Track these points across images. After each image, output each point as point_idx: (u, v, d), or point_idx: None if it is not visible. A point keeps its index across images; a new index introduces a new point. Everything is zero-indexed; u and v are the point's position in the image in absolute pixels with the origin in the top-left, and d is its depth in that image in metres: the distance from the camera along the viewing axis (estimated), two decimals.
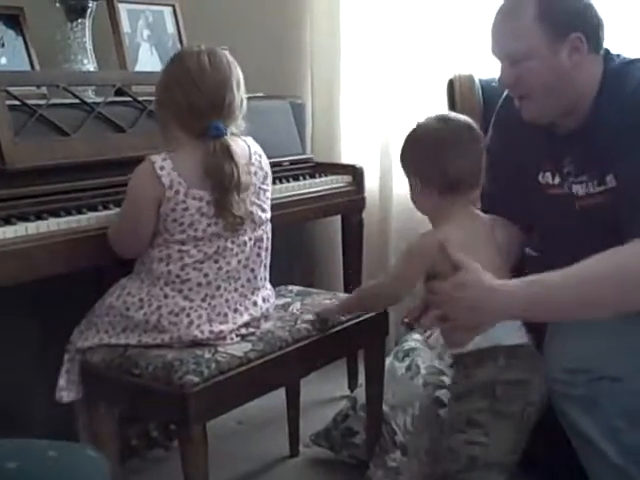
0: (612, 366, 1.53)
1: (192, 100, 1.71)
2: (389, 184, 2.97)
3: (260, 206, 1.81)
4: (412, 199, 1.73)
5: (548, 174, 1.74)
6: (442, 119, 1.70)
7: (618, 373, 1.52)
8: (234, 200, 1.70)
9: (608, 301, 1.48)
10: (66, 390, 1.75)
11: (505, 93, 1.85)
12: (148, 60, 2.56)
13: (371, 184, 2.89)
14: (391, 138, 2.96)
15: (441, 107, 2.62)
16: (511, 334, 1.61)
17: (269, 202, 1.85)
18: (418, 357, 2.15)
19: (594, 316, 1.51)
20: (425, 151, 1.66)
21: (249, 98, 1.98)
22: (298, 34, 3.06)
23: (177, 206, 1.68)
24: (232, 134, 1.77)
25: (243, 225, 1.74)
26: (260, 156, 1.84)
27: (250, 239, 1.78)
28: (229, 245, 1.74)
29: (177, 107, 1.74)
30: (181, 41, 2.67)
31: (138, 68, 2.49)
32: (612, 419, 1.49)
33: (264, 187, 1.83)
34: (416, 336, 2.26)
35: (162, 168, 1.67)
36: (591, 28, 1.60)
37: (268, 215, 1.85)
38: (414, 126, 1.73)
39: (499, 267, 1.62)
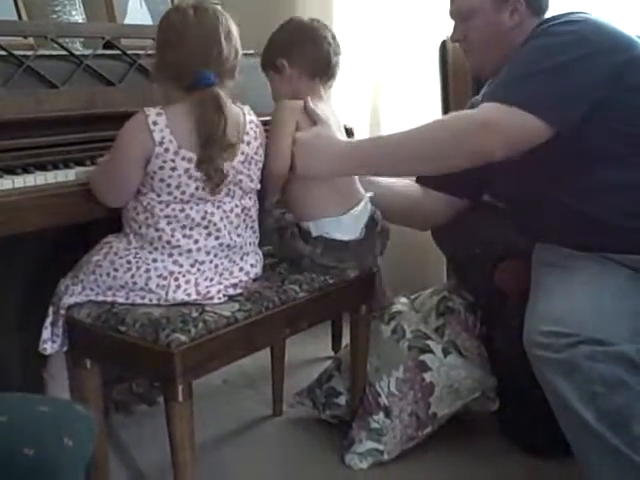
0: (593, 330, 1.54)
1: (179, 54, 1.70)
2: None
3: (249, 176, 1.79)
4: (273, 92, 1.98)
5: None
6: (312, 19, 1.99)
7: (600, 337, 1.53)
8: (218, 154, 1.68)
9: (439, 147, 1.77)
10: (50, 342, 1.73)
11: None
12: (137, 13, 2.50)
13: None
14: (381, 99, 2.95)
15: (433, 68, 2.61)
16: (338, 230, 1.89)
17: (259, 173, 1.83)
18: (404, 320, 2.16)
19: (418, 169, 1.93)
20: (297, 35, 1.93)
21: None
22: None
23: (165, 164, 1.66)
24: (231, 100, 1.75)
25: (224, 183, 1.71)
26: (257, 126, 1.82)
27: (237, 206, 1.77)
28: (216, 211, 1.73)
29: (168, 64, 1.73)
30: None
31: (127, 21, 2.44)
32: (591, 384, 1.51)
33: (256, 158, 1.81)
34: (402, 299, 2.26)
35: (155, 123, 1.65)
36: None
37: (258, 186, 1.83)
38: (287, 20, 2.00)
39: None
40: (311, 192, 1.90)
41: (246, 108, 1.82)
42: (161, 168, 1.66)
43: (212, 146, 1.67)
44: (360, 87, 3.01)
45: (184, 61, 1.70)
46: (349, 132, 2.68)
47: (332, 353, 2.69)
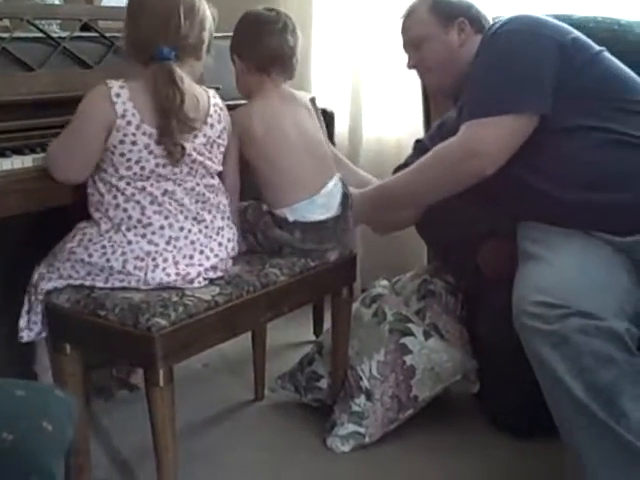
0: (586, 303, 1.55)
1: (138, 29, 1.70)
2: (359, 128, 2.97)
3: (211, 159, 1.78)
4: (236, 82, 2.00)
5: None
6: (268, 8, 1.97)
7: (591, 310, 1.53)
8: (176, 128, 1.66)
9: (435, 183, 1.93)
10: (26, 330, 1.72)
11: None
12: None
13: (341, 129, 2.88)
14: (362, 82, 2.94)
15: None
16: (314, 211, 1.91)
17: (221, 157, 1.82)
18: (385, 303, 2.16)
19: (426, 202, 2.05)
20: (245, 30, 1.94)
21: (222, 37, 1.95)
22: None
23: (126, 138, 1.64)
24: (194, 79, 1.75)
25: (184, 160, 1.70)
26: (221, 109, 1.80)
27: (198, 185, 1.75)
28: (177, 188, 1.71)
29: (129, 39, 1.74)
30: None
31: (104, 3, 2.42)
32: (580, 357, 1.51)
33: (219, 141, 1.80)
34: (383, 282, 2.26)
35: (118, 95, 1.64)
36: (473, 14, 2.04)
37: (220, 167, 1.82)
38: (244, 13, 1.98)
39: (312, 137, 1.97)
40: (280, 178, 1.91)
41: (211, 91, 1.81)
42: (121, 142, 1.65)
43: (169, 119, 1.66)
44: (340, 71, 3.01)
45: (142, 36, 1.70)
46: (329, 115, 2.67)
47: (314, 337, 2.69)
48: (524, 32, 1.86)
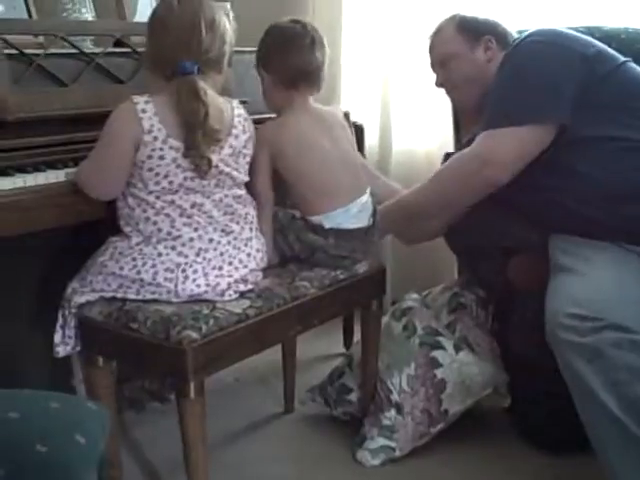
0: (620, 316, 1.54)
1: (161, 42, 1.71)
2: (389, 141, 2.97)
3: (237, 169, 1.79)
4: (263, 94, 1.99)
5: None
6: (295, 20, 1.96)
7: (626, 324, 1.52)
8: (202, 140, 1.67)
9: (451, 193, 1.99)
10: (61, 345, 1.74)
11: None
12: (147, 10, 2.49)
13: (371, 141, 2.88)
14: (391, 96, 2.94)
15: None
16: (348, 220, 1.92)
17: (247, 167, 1.83)
18: (415, 317, 2.15)
19: (446, 212, 2.06)
20: (273, 45, 1.93)
21: (249, 52, 1.96)
22: None
23: (154, 153, 1.66)
24: (217, 91, 1.75)
25: (211, 173, 1.71)
26: (245, 119, 1.81)
27: (227, 196, 1.76)
28: (206, 200, 1.73)
29: (151, 52, 1.75)
30: None
31: (137, 19, 2.45)
32: (615, 371, 1.50)
33: (245, 151, 1.80)
34: (413, 296, 2.26)
35: (144, 111, 1.65)
36: (499, 32, 2.09)
37: (246, 178, 1.83)
38: (272, 24, 1.98)
39: (346, 151, 1.99)
40: (315, 192, 1.91)
41: (235, 102, 1.82)
42: (149, 157, 1.66)
43: (194, 133, 1.66)
44: (370, 84, 3.01)
45: (164, 51, 1.71)
46: (359, 129, 2.68)
47: (343, 349, 2.69)
48: (545, 44, 1.88)
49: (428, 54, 2.20)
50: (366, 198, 1.98)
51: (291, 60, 1.91)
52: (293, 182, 1.92)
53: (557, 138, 1.82)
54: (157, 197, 1.69)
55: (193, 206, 1.71)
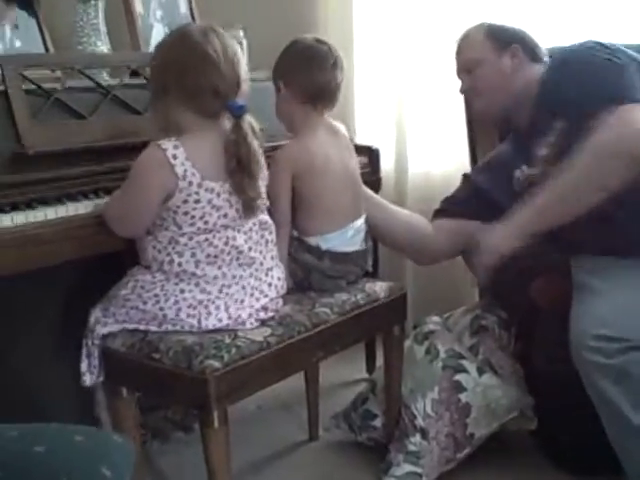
0: None
1: (213, 81, 1.66)
2: (404, 165, 2.96)
3: (260, 194, 1.79)
4: (276, 106, 1.99)
5: (524, 167, 2.03)
6: (319, 40, 1.99)
7: None
8: (253, 179, 1.69)
9: (590, 183, 1.72)
10: (88, 373, 1.74)
11: None
12: None
13: (386, 165, 2.88)
14: (406, 118, 2.94)
15: (457, 86, 2.60)
16: (344, 242, 1.96)
17: (266, 190, 1.83)
18: (437, 340, 2.14)
19: (586, 204, 1.73)
20: (296, 60, 1.95)
21: (263, 79, 1.97)
22: (311, 12, 3.03)
23: (189, 197, 1.64)
24: None
25: (256, 204, 1.72)
26: (259, 146, 1.80)
27: (255, 224, 1.77)
28: (237, 234, 1.72)
29: (193, 90, 1.67)
30: (194, 21, 2.64)
31: (151, 49, 2.47)
32: None
33: (263, 176, 1.81)
34: (435, 319, 2.24)
35: (175, 157, 1.62)
36: (526, 41, 2.06)
37: (267, 202, 1.83)
38: (295, 38, 2.01)
39: (353, 170, 2.03)
40: (319, 210, 1.94)
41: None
42: (185, 202, 1.65)
43: (242, 173, 1.67)
44: (384, 107, 3.01)
45: (215, 85, 1.66)
46: (374, 152, 2.67)
47: (366, 375, 2.68)
48: (600, 45, 1.87)
49: (454, 58, 2.17)
50: (361, 221, 2.02)
51: (315, 79, 1.92)
52: (297, 203, 1.94)
53: None
54: (190, 238, 1.68)
55: (226, 243, 1.71)
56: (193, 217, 1.66)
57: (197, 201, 1.65)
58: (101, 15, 2.41)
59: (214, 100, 1.68)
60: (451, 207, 2.22)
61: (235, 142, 1.67)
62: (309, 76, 1.93)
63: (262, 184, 1.78)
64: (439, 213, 2.25)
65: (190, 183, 1.63)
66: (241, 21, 2.57)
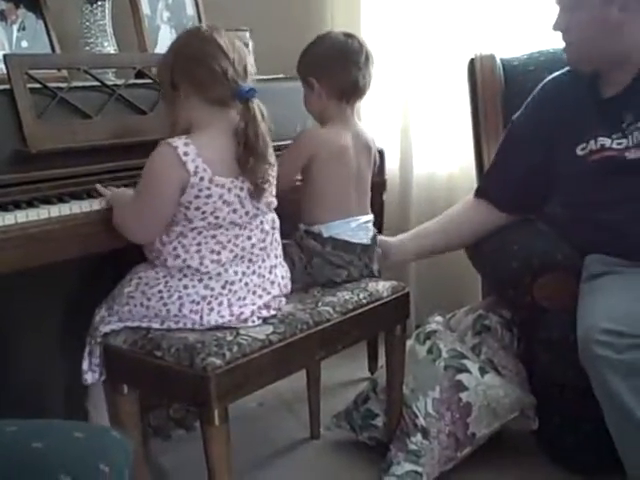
0: None
1: (223, 66, 1.68)
2: (409, 166, 2.97)
3: (271, 192, 1.81)
4: (306, 101, 2.03)
5: (601, 139, 1.86)
6: (348, 35, 2.02)
7: None
8: (260, 160, 1.70)
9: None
10: (89, 372, 1.75)
11: (552, 75, 2.05)
12: (168, 42, 2.52)
13: (391, 166, 2.88)
14: (411, 120, 2.95)
15: (462, 87, 2.60)
16: (346, 232, 2.00)
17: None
18: (439, 340, 2.14)
19: None
20: (330, 57, 1.98)
21: (269, 80, 1.98)
22: (318, 15, 3.05)
23: (201, 193, 1.66)
24: None
25: (264, 193, 1.74)
26: (271, 147, 1.83)
27: (262, 222, 1.78)
28: (243, 232, 1.74)
29: (202, 78, 1.69)
30: (200, 22, 2.66)
31: (158, 50, 2.48)
32: None
33: (273, 174, 1.82)
34: (437, 318, 2.25)
35: (186, 154, 1.64)
36: None
37: (275, 201, 1.84)
38: (324, 33, 2.06)
39: (365, 173, 2.08)
40: (324, 199, 1.99)
41: None
42: (197, 197, 1.66)
43: (259, 154, 1.69)
44: (389, 108, 3.02)
45: (227, 70, 1.68)
46: (379, 153, 2.68)
47: (368, 374, 2.68)
48: None
49: None
50: (367, 219, 2.06)
51: (349, 75, 1.98)
52: (309, 191, 2.00)
53: None
54: (199, 232, 1.70)
55: (229, 241, 1.72)
56: (204, 212, 1.68)
57: (209, 196, 1.67)
58: (108, 16, 2.43)
59: (223, 86, 1.69)
60: (495, 193, 2.17)
61: (244, 126, 1.68)
62: (345, 73, 1.98)
63: (271, 173, 1.79)
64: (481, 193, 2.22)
65: (202, 179, 1.65)
66: (247, 23, 2.58)
